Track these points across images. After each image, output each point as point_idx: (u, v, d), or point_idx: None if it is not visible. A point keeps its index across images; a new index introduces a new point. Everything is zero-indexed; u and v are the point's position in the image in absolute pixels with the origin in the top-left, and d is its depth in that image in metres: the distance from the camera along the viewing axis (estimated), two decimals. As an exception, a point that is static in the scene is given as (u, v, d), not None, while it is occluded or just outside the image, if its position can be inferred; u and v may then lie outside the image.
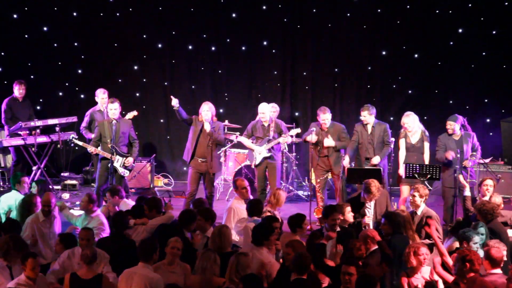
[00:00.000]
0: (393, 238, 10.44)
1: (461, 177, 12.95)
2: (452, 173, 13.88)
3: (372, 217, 12.22)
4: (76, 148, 15.77)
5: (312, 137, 14.57)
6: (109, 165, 14.29)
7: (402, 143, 14.43)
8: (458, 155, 13.66)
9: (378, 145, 14.49)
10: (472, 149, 14.09)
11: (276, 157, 15.03)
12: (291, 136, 15.30)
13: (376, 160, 14.36)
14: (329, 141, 14.62)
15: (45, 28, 18.64)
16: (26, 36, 18.60)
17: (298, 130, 15.34)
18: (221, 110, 18.79)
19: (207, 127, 14.20)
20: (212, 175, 14.43)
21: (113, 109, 14.42)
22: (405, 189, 14.16)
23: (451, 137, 14.12)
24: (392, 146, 14.54)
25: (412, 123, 14.30)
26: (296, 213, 11.11)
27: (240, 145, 16.45)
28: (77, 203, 15.44)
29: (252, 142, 15.02)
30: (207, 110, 14.34)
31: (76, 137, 15.12)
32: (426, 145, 14.31)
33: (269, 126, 14.97)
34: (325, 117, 14.70)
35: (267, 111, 15.02)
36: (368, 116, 14.58)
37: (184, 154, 14.64)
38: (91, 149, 14.42)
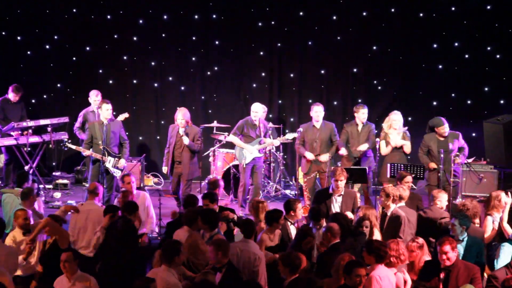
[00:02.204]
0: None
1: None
2: (436, 172, 14.25)
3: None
4: (67, 149, 15.97)
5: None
6: (101, 165, 14.55)
7: (383, 143, 14.79)
8: (442, 155, 13.99)
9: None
10: (459, 149, 14.43)
11: (261, 157, 15.49)
12: (291, 139, 15.85)
13: (363, 147, 14.73)
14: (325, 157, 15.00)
15: (37, 30, 18.90)
16: (18, 38, 18.86)
17: (295, 135, 15.66)
18: (210, 111, 19.09)
19: (185, 141, 14.59)
20: (186, 180, 14.77)
21: (106, 109, 14.71)
22: None
23: (434, 137, 14.44)
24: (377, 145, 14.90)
25: (399, 121, 14.69)
26: (274, 208, 11.45)
27: (228, 145, 16.73)
28: (69, 202, 15.72)
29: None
30: (181, 119, 14.69)
31: (70, 140, 15.34)
32: (407, 142, 14.68)
33: (259, 126, 15.31)
34: (317, 109, 15.09)
35: (260, 111, 15.36)
36: (366, 114, 14.96)
37: (164, 162, 15.08)
38: (86, 152, 14.69)
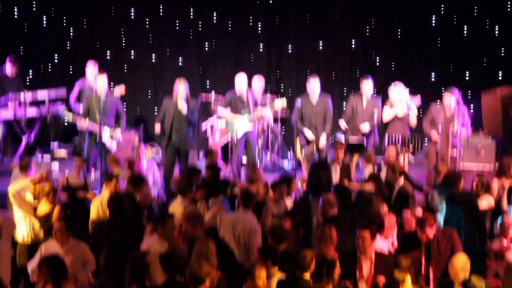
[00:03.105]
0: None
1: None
2: (435, 144, 14.31)
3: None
4: (66, 120, 15.99)
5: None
6: (97, 137, 14.53)
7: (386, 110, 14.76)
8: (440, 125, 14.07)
9: (369, 119, 14.87)
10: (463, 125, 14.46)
11: (254, 128, 15.45)
12: (275, 110, 15.83)
13: (365, 127, 14.71)
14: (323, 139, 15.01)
15: (34, 2, 18.87)
16: (15, 9, 18.83)
17: (283, 101, 15.68)
18: (207, 84, 19.12)
19: (182, 107, 14.44)
20: (184, 151, 14.68)
21: (100, 82, 14.69)
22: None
23: (441, 112, 14.43)
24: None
25: (398, 94, 14.67)
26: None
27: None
28: (67, 171, 15.73)
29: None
30: (182, 89, 14.55)
31: (66, 110, 15.30)
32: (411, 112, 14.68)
33: (247, 97, 15.29)
34: (313, 81, 15.17)
35: (242, 82, 15.32)
36: (370, 86, 14.91)
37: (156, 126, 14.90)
38: (81, 123, 14.64)
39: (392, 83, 15.09)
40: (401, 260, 8.72)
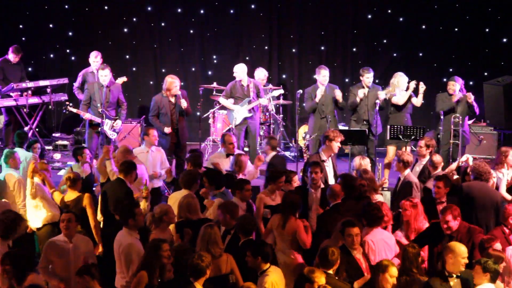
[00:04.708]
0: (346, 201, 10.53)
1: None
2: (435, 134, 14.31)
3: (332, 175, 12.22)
4: (68, 113, 16.01)
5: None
6: (99, 128, 14.52)
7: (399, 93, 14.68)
8: (442, 116, 14.05)
9: (371, 107, 14.73)
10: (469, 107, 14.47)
11: (256, 117, 15.37)
12: (277, 97, 15.75)
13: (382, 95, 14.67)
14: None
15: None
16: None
17: (281, 91, 15.65)
18: (209, 73, 19.06)
19: (184, 104, 14.19)
20: (182, 145, 14.53)
21: (104, 75, 14.64)
22: (391, 150, 14.48)
23: (444, 96, 14.46)
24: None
25: (403, 82, 14.61)
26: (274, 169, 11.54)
27: (228, 107, 16.75)
28: (68, 163, 15.73)
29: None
30: (178, 86, 14.26)
31: (71, 104, 15.24)
32: (414, 99, 14.61)
33: (248, 86, 15.25)
34: (325, 73, 15.03)
35: (240, 71, 15.27)
36: (372, 78, 14.86)
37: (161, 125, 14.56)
38: (86, 115, 14.61)
39: (398, 73, 15.01)
40: (409, 249, 8.75)
